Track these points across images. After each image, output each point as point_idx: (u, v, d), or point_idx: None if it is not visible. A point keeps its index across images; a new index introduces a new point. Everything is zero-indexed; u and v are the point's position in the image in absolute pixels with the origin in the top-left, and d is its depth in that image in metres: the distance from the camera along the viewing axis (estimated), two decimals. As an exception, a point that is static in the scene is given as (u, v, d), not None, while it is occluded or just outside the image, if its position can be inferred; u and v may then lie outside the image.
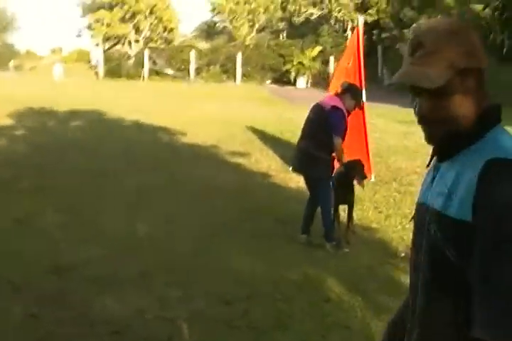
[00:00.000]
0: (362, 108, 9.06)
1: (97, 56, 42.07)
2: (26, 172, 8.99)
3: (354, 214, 6.42)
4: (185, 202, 7.60)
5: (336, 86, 9.49)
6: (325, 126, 5.72)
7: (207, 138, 12.60)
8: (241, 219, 6.86)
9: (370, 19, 35.69)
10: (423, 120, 1.42)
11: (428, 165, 1.53)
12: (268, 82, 36.83)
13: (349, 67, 9.12)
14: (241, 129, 14.04)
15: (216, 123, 15.13)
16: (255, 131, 13.70)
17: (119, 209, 7.11)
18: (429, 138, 1.45)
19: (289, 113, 18.47)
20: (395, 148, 11.90)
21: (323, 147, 5.77)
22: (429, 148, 1.47)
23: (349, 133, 9.18)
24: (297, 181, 8.89)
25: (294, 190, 8.39)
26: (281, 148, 11.25)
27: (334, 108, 5.73)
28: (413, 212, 1.51)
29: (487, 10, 24.76)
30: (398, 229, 6.53)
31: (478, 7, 24.77)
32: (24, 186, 8.10)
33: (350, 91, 5.81)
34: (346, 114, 5.80)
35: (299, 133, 13.36)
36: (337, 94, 5.87)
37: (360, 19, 8.99)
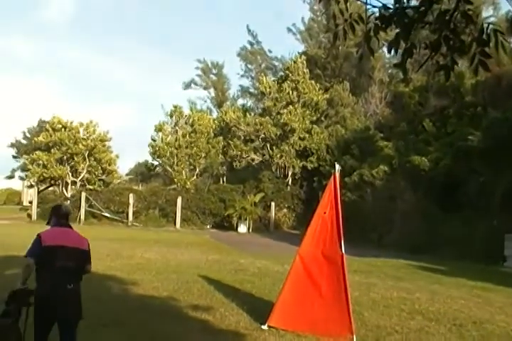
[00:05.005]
0: (342, 260, 8.48)
1: (30, 197, 40.76)
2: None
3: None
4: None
5: (311, 234, 8.90)
6: None
7: (161, 288, 11.55)
8: None
9: (310, 166, 36.68)
10: None
11: None
12: (208, 226, 36.27)
13: (325, 216, 8.65)
14: (195, 279, 13.03)
15: (166, 271, 14.14)
16: (211, 281, 12.70)
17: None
18: None
19: (241, 260, 17.69)
20: (364, 302, 11.08)
21: None
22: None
23: (327, 285, 8.51)
24: (273, 339, 7.98)
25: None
26: (246, 302, 10.29)
27: None
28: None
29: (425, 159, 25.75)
30: None
31: (417, 158, 25.73)
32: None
33: None
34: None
35: (259, 283, 12.38)
36: None
37: (337, 167, 8.60)
